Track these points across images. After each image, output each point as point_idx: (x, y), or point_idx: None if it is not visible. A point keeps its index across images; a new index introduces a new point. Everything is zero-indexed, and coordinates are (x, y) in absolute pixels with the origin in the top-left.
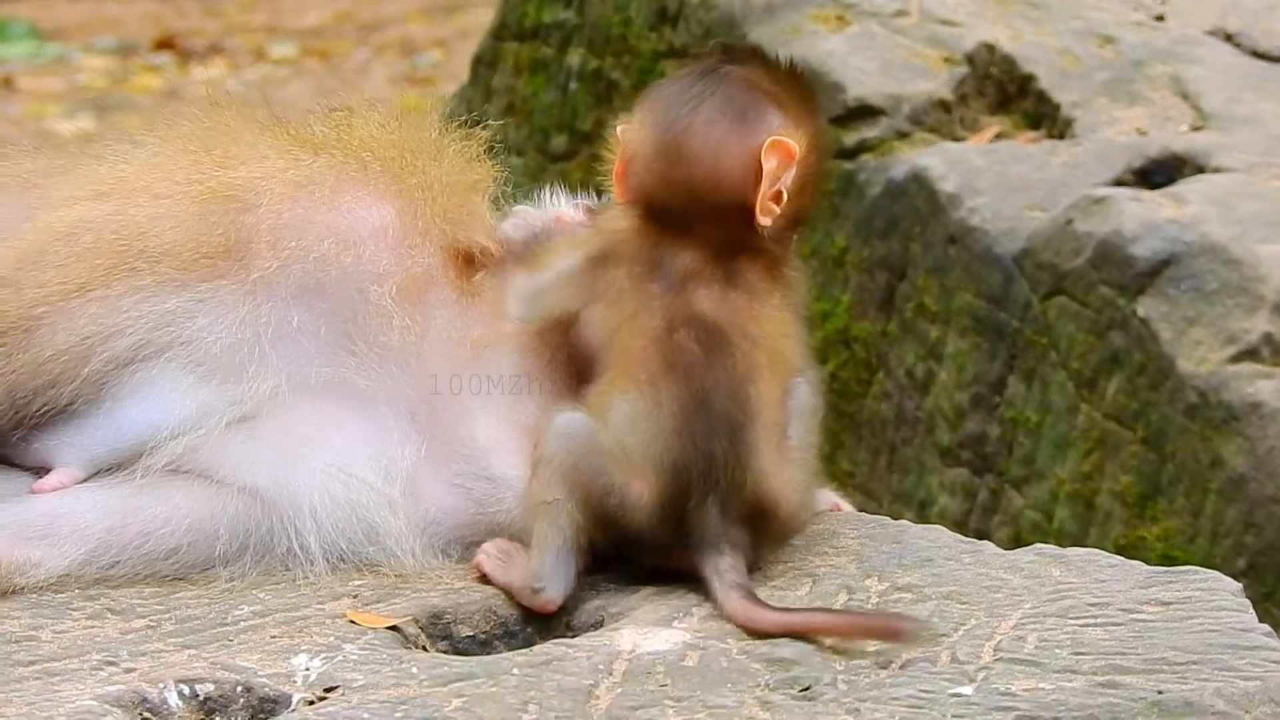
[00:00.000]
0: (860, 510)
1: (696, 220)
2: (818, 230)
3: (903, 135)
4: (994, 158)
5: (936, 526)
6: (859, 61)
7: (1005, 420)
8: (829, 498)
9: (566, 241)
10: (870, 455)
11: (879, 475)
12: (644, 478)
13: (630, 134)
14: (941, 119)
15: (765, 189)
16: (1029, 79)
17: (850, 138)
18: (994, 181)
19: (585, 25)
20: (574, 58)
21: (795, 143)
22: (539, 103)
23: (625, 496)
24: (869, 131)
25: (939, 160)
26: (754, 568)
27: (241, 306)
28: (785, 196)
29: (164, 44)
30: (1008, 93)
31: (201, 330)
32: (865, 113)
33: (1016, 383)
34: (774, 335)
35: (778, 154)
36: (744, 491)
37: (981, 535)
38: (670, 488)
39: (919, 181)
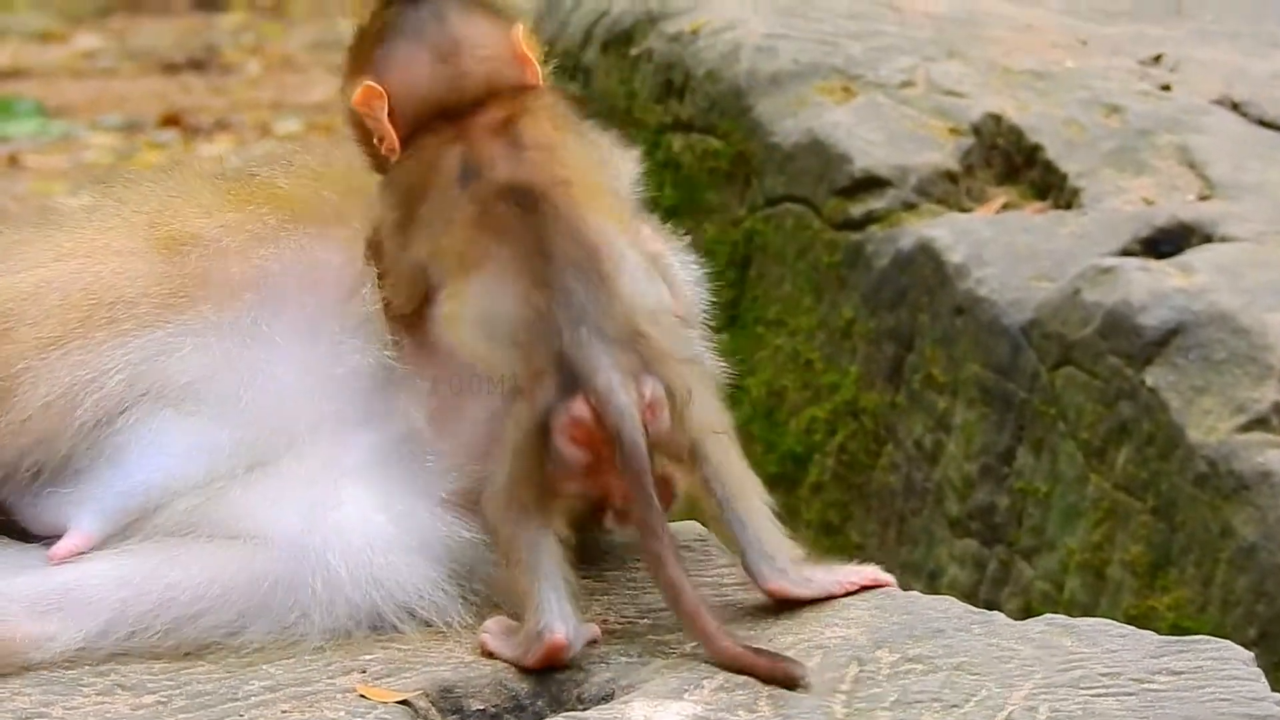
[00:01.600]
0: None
1: (477, 108)
2: (824, 301)
3: (910, 206)
4: (1001, 228)
5: (947, 597)
6: (865, 133)
7: (1014, 490)
8: (867, 572)
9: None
10: (879, 526)
11: (888, 546)
12: (530, 359)
13: (388, 82)
14: (948, 190)
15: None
16: (1036, 149)
17: (857, 209)
18: (1001, 252)
19: (591, 98)
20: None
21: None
22: None
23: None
24: (876, 203)
25: (946, 231)
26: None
27: (226, 342)
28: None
29: (170, 121)
30: (1014, 163)
31: (190, 365)
32: (872, 184)
33: (1025, 453)
34: (583, 172)
35: (527, 39)
36: (616, 317)
37: (991, 606)
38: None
39: (926, 252)
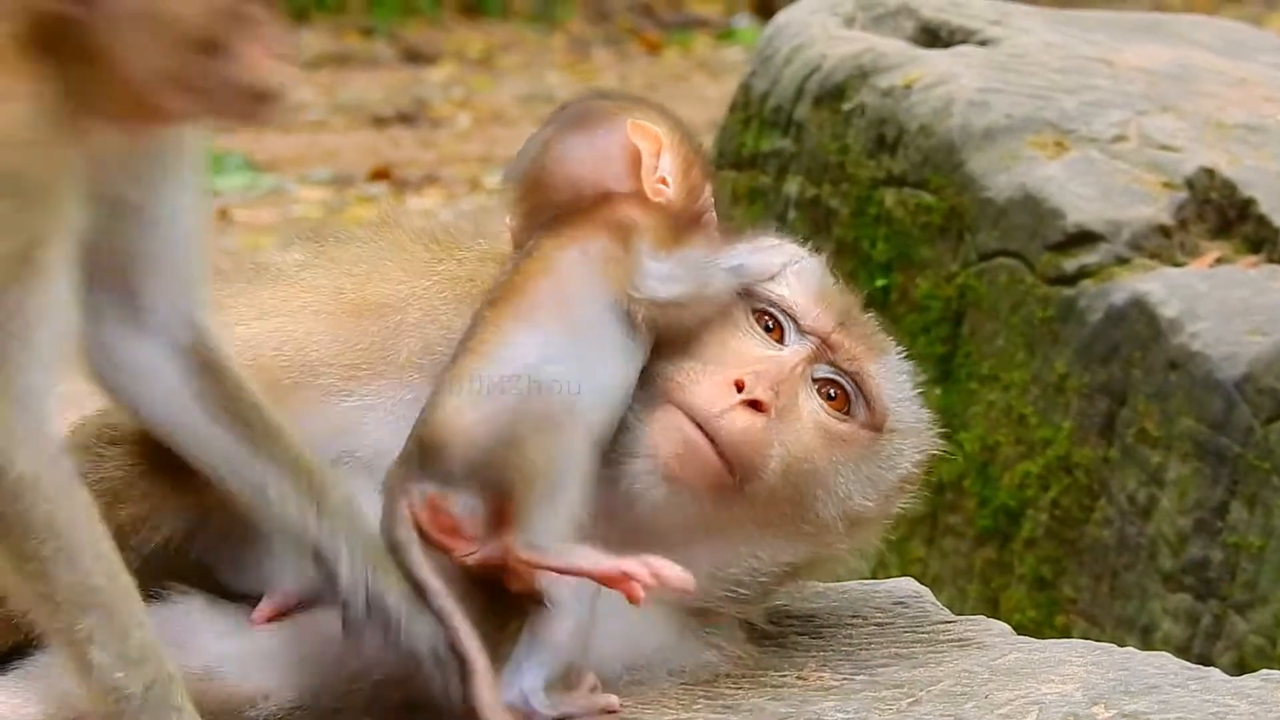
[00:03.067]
0: (1084, 637)
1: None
2: (1037, 356)
3: (1123, 261)
4: (1214, 283)
5: (1163, 653)
6: (1078, 187)
7: (1228, 545)
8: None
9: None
10: (1092, 581)
11: (1101, 601)
12: None
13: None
14: (1161, 244)
15: (648, 164)
16: (1249, 203)
17: (1070, 264)
18: (1215, 306)
19: (803, 153)
20: (791, 186)
21: (658, 128)
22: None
23: None
24: (1089, 257)
25: (1159, 285)
26: None
27: (400, 418)
28: (669, 180)
29: (379, 175)
30: (1228, 217)
31: (370, 435)
32: (1085, 239)
33: (1239, 507)
34: (524, 288)
35: (643, 135)
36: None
37: (1205, 661)
38: None
39: (1139, 307)
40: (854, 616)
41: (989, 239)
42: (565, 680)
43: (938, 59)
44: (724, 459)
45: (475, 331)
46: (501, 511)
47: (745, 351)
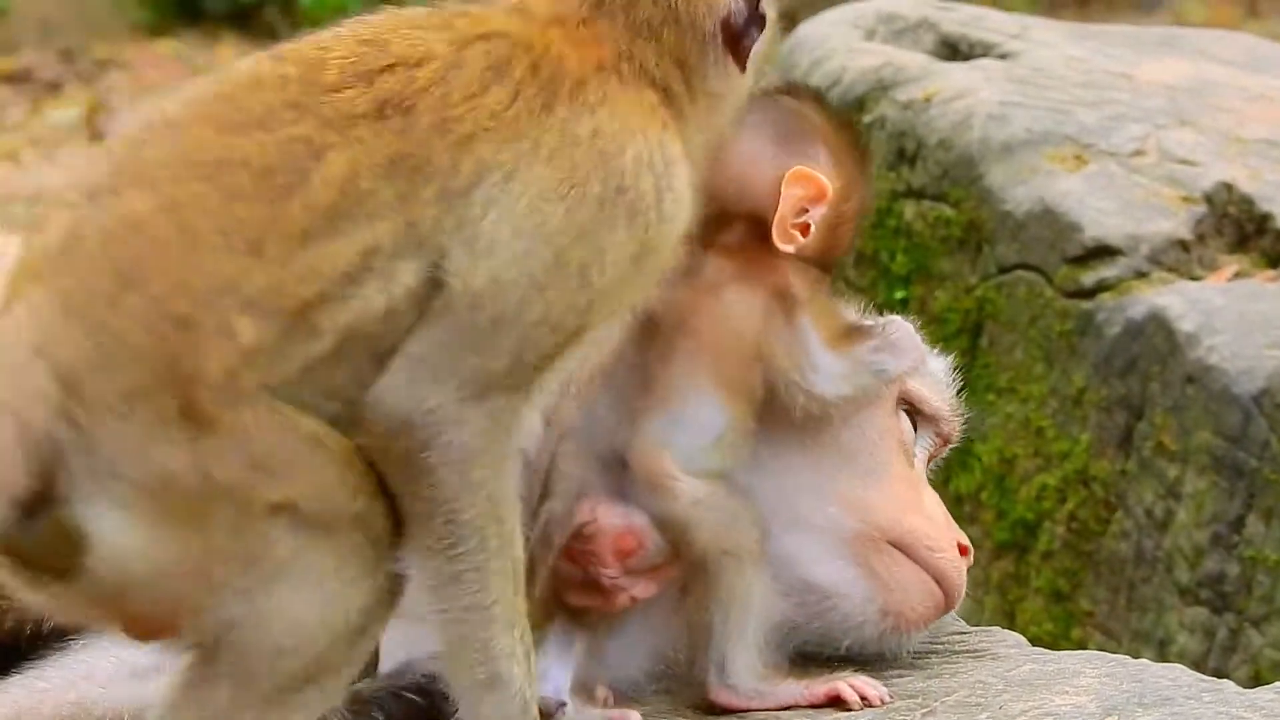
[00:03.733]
0: (1100, 649)
1: (719, 229)
2: (1055, 369)
3: (1141, 275)
4: (1233, 296)
5: (1176, 665)
6: (1097, 201)
7: (1245, 559)
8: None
9: None
10: (1109, 593)
11: (1118, 614)
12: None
13: None
14: (1180, 258)
15: (785, 212)
16: (1267, 218)
17: (1088, 277)
18: (1233, 320)
19: None
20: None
21: (827, 180)
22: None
23: None
24: (1107, 271)
25: (1177, 299)
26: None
27: None
28: (812, 230)
29: None
30: (1246, 231)
31: None
32: (1103, 252)
33: (1256, 521)
34: (728, 341)
35: (803, 184)
36: (610, 442)
37: (1220, 674)
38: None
39: (1157, 321)
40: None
41: (1008, 252)
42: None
43: (958, 72)
44: (948, 601)
45: (664, 370)
46: (662, 571)
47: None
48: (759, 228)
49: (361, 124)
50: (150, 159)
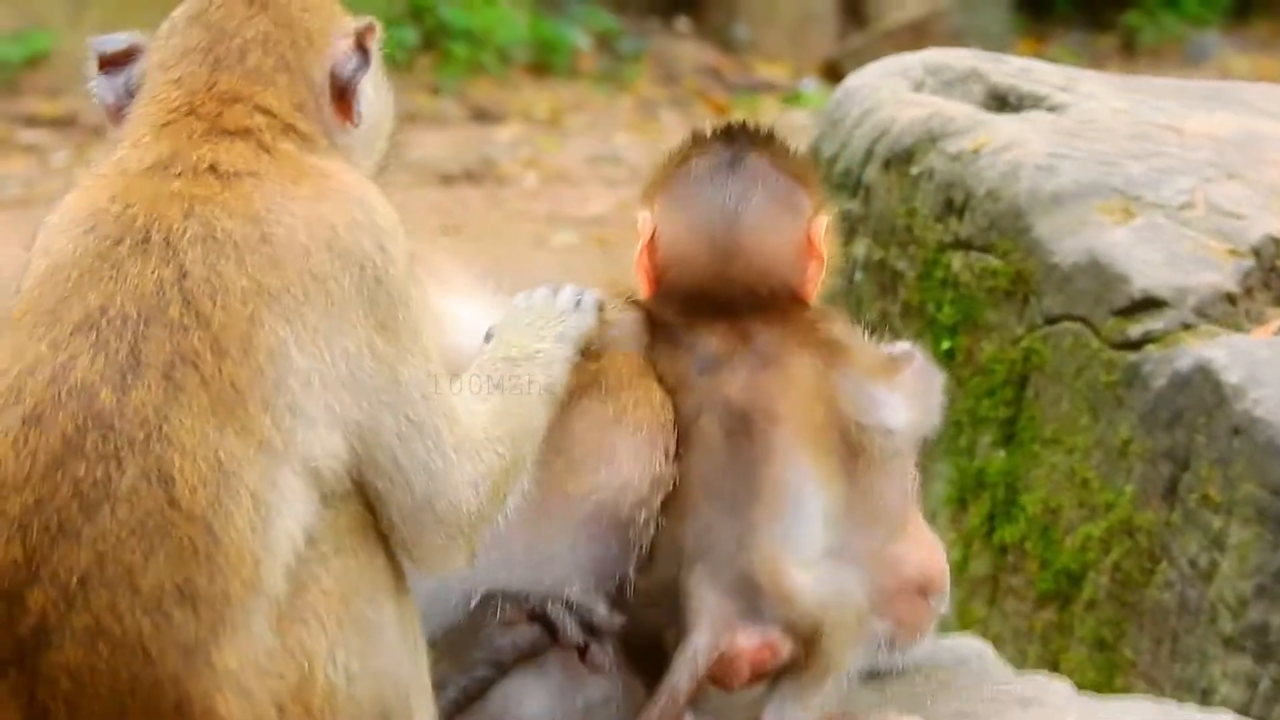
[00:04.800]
0: None
1: (737, 305)
2: (1101, 420)
3: (1188, 327)
4: (1278, 350)
5: (1223, 711)
6: (1144, 253)
7: None
8: None
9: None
10: (1152, 643)
11: (1161, 663)
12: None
13: (661, 222)
14: (1227, 311)
15: (823, 269)
16: None
17: (1135, 329)
18: (1278, 374)
19: (870, 216)
20: (859, 248)
21: (825, 216)
22: (823, 292)
23: None
24: (1154, 323)
25: (1224, 352)
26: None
27: None
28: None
29: (447, 232)
30: None
31: None
32: (1150, 304)
33: None
34: (807, 408)
35: (825, 234)
36: (736, 564)
37: None
38: (662, 558)
39: (1204, 373)
40: (918, 673)
41: (1054, 303)
42: None
43: (1006, 124)
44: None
45: (767, 469)
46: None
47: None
48: (784, 291)
49: None
50: None
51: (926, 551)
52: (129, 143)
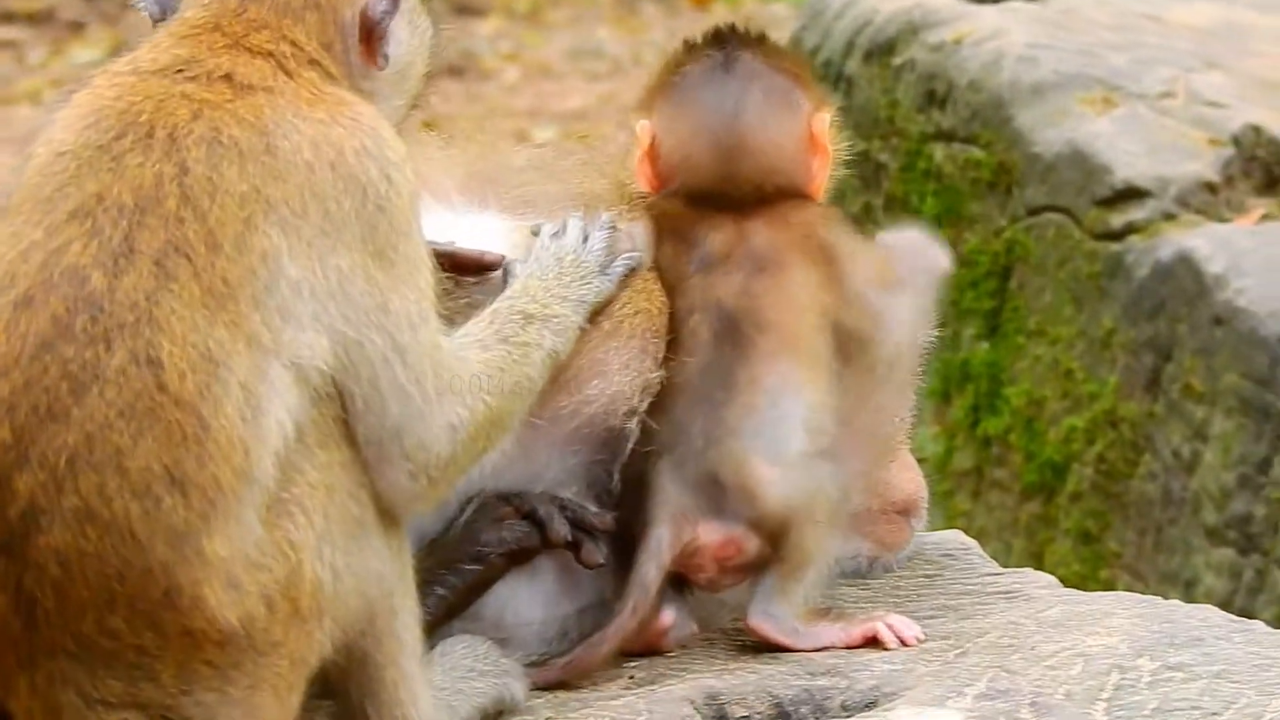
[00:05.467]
0: (1127, 591)
1: (742, 204)
2: (1084, 311)
3: (1169, 217)
4: (1261, 239)
5: (1206, 606)
6: (1126, 144)
7: (1272, 500)
8: (873, 625)
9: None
10: (1137, 535)
11: (1145, 555)
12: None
13: (661, 129)
14: (1208, 200)
15: (828, 164)
16: None
17: (1117, 219)
18: (1261, 263)
19: (852, 108)
20: (841, 141)
21: (825, 112)
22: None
23: None
24: (1136, 213)
25: (1205, 242)
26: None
27: None
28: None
29: (427, 127)
30: (1274, 174)
31: None
32: (1132, 194)
33: None
34: (797, 314)
35: (826, 128)
36: (703, 460)
37: (1247, 614)
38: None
39: (1185, 263)
40: (902, 568)
41: (1037, 194)
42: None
43: (988, 14)
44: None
45: (746, 371)
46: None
47: None
48: (791, 189)
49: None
50: None
51: (910, 473)
52: (147, 47)
